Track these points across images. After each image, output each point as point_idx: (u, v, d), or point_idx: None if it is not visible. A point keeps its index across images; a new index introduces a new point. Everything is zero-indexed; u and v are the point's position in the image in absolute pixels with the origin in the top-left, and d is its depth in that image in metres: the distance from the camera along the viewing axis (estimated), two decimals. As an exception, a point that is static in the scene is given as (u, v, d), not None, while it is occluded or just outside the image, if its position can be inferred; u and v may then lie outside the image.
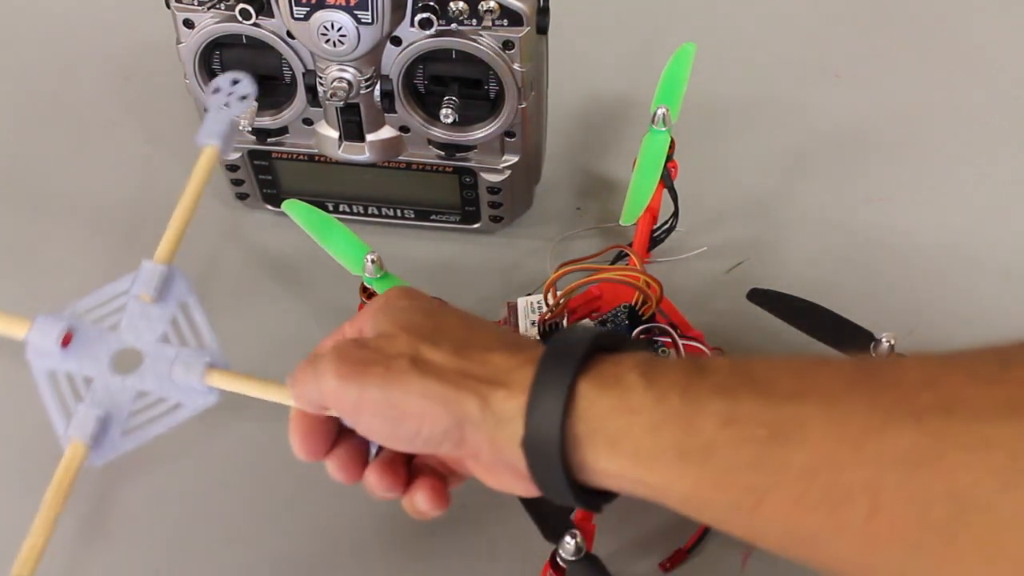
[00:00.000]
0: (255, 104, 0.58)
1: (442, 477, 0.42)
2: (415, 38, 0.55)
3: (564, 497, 0.36)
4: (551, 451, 0.35)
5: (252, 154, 0.64)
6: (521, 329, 0.54)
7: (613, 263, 0.62)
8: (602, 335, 0.37)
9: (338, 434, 0.42)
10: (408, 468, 0.42)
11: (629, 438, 0.34)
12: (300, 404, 0.41)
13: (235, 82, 0.52)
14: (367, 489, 0.42)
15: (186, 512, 0.56)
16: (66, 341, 0.46)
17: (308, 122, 0.61)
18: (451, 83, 0.57)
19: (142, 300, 0.47)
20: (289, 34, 0.55)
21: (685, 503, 0.34)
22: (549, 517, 0.46)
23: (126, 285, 0.48)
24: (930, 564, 0.30)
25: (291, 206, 0.57)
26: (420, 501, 0.41)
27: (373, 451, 0.43)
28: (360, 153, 0.61)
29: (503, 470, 0.38)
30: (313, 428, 0.41)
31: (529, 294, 0.56)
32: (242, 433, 0.58)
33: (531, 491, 0.38)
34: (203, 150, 0.51)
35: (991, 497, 0.28)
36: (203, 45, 0.57)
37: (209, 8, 0.55)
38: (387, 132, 0.61)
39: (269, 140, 0.62)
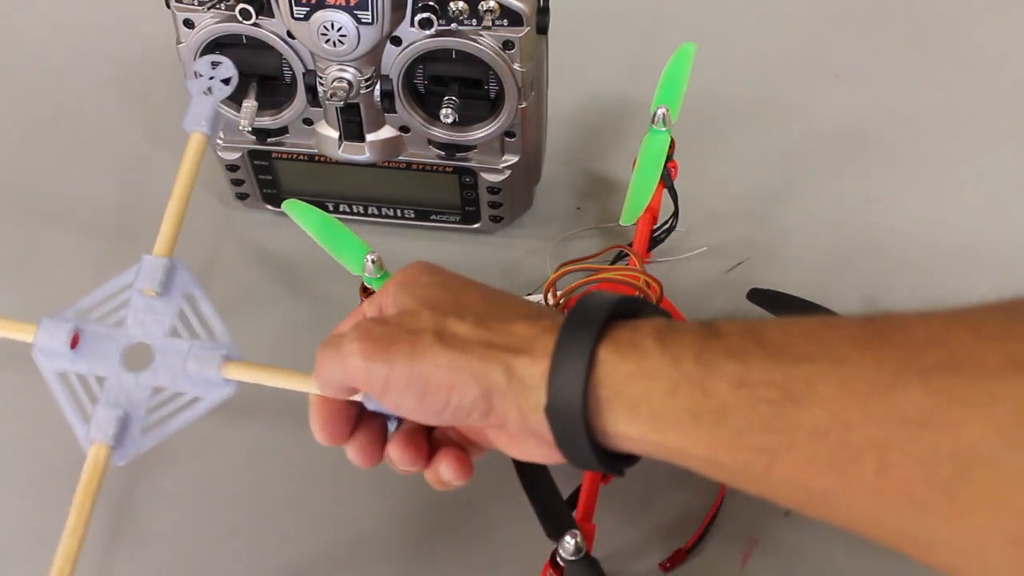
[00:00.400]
0: (255, 104, 0.59)
1: (463, 448, 0.43)
2: (415, 38, 0.55)
3: (588, 462, 0.37)
4: (574, 416, 0.35)
5: (252, 154, 0.64)
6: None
7: (613, 263, 0.62)
8: (621, 302, 0.37)
9: (357, 418, 0.42)
10: (428, 441, 0.42)
11: (647, 402, 0.34)
12: (326, 390, 0.41)
13: (215, 64, 0.51)
14: (390, 465, 0.42)
15: (186, 514, 0.56)
16: (74, 342, 0.46)
17: (308, 122, 0.61)
18: (451, 83, 0.57)
19: (146, 294, 0.47)
20: (289, 34, 0.55)
21: (703, 465, 0.35)
22: (552, 513, 0.46)
23: (128, 279, 0.47)
24: (937, 521, 0.30)
25: (291, 206, 0.57)
26: (444, 471, 0.42)
27: (392, 428, 0.43)
28: (360, 153, 0.61)
29: (528, 438, 0.38)
30: (334, 413, 0.42)
31: (529, 294, 0.56)
32: (242, 435, 0.58)
33: (554, 458, 0.38)
34: (190, 137, 0.50)
35: (995, 453, 0.28)
36: (203, 45, 0.57)
37: (209, 8, 0.55)
38: (387, 132, 0.61)
39: (269, 140, 0.62)
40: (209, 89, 0.51)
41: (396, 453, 0.41)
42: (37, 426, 0.57)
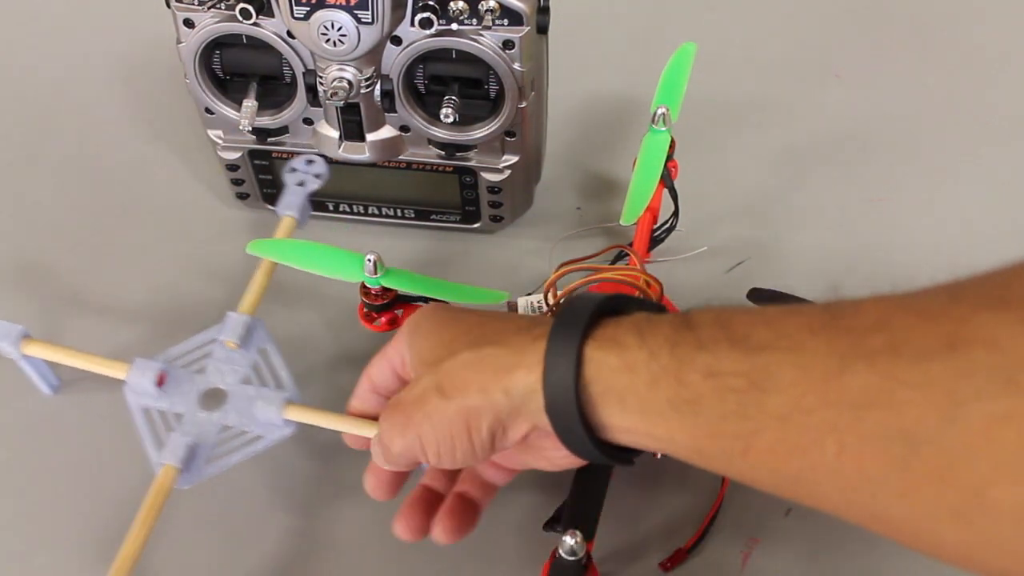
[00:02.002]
0: (255, 103, 0.59)
1: (472, 503, 0.47)
2: (415, 38, 0.55)
3: (593, 455, 0.39)
4: (571, 414, 0.37)
5: (252, 154, 0.64)
6: (521, 329, 0.54)
7: (613, 263, 0.62)
8: (606, 300, 0.39)
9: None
10: (432, 506, 0.47)
11: (634, 394, 0.36)
12: (392, 467, 0.45)
13: (309, 162, 0.61)
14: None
15: (186, 513, 0.56)
16: (160, 382, 0.52)
17: (308, 122, 0.61)
18: (451, 83, 0.57)
19: (227, 346, 0.54)
20: (289, 34, 0.55)
21: (690, 453, 0.36)
22: (578, 510, 0.47)
23: (213, 335, 0.55)
24: (892, 497, 0.31)
25: (257, 247, 0.57)
26: (437, 534, 0.46)
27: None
28: (360, 153, 0.61)
29: (546, 442, 0.41)
30: (386, 478, 0.47)
31: (529, 294, 0.56)
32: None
33: (578, 460, 0.41)
34: (282, 220, 0.59)
35: (935, 432, 0.30)
36: (203, 45, 0.57)
37: (209, 8, 0.55)
38: (387, 132, 0.61)
39: (269, 140, 0.62)
40: (302, 183, 0.60)
41: (397, 527, 0.47)
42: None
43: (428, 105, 0.59)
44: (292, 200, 0.60)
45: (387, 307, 0.55)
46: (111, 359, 0.54)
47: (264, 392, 0.52)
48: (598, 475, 0.48)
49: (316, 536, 0.55)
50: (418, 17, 0.53)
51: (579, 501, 0.47)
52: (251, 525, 0.55)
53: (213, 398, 0.53)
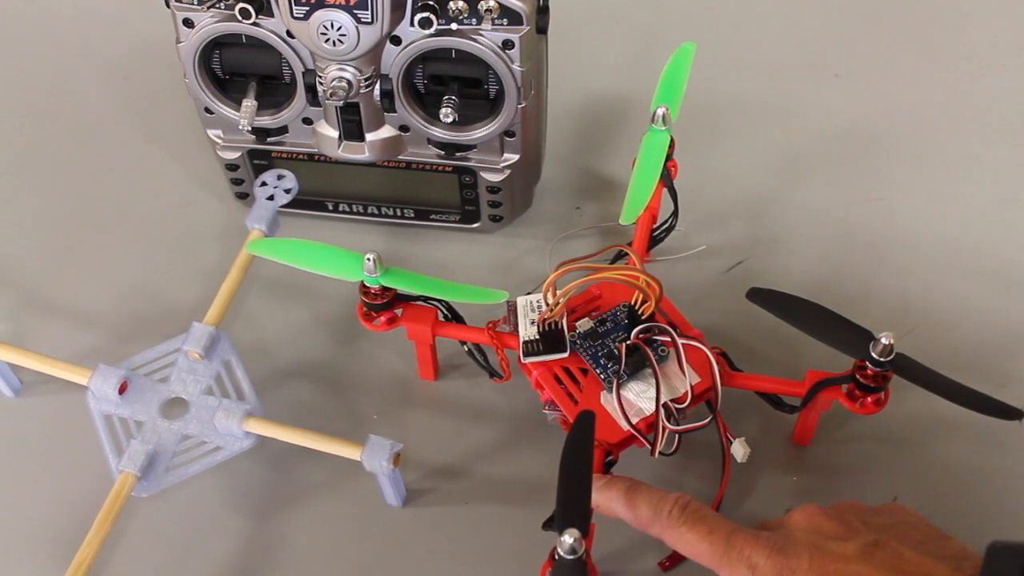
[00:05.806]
0: (255, 103, 0.59)
1: None
2: (415, 37, 0.55)
3: None
4: None
5: (252, 154, 0.64)
6: (520, 328, 0.54)
7: (613, 262, 0.62)
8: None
9: None
10: None
11: None
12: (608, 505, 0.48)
13: (280, 176, 0.62)
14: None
15: (186, 513, 0.56)
16: (122, 389, 0.53)
17: (308, 121, 0.61)
18: (451, 82, 0.57)
19: (191, 357, 0.54)
20: (289, 33, 0.55)
21: None
22: (571, 507, 0.46)
23: (177, 344, 0.55)
24: None
25: (256, 246, 0.58)
26: None
27: None
28: (360, 152, 0.61)
29: None
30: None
31: (529, 293, 0.56)
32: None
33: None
34: (251, 233, 0.60)
35: None
36: (203, 44, 0.57)
37: (209, 7, 0.55)
38: (387, 131, 0.61)
39: (269, 140, 0.62)
40: (272, 196, 0.61)
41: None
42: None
43: (428, 105, 0.59)
44: (261, 213, 0.60)
45: (387, 306, 0.55)
46: (76, 363, 0.54)
47: (225, 403, 0.52)
48: (581, 468, 0.48)
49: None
50: (418, 17, 0.53)
51: (568, 498, 0.47)
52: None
53: (175, 407, 0.54)
